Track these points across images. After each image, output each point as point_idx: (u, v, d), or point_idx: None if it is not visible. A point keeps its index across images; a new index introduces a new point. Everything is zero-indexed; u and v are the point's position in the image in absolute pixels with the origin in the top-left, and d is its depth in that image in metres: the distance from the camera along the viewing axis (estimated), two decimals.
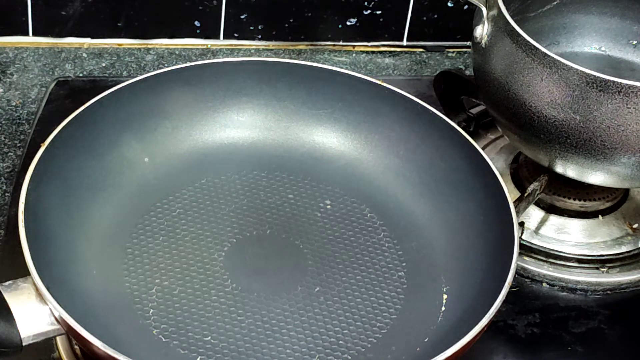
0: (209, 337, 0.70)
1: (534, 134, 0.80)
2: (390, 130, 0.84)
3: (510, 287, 0.69)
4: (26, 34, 1.02)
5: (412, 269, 0.77)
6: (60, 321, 0.64)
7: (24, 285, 0.65)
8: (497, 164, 0.79)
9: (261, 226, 0.79)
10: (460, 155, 0.80)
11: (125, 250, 0.75)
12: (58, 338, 0.73)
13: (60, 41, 1.03)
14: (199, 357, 0.68)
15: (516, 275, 0.78)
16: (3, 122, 0.94)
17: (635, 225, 0.89)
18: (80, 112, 0.77)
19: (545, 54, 0.76)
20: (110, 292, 0.72)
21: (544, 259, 0.86)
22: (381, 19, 1.06)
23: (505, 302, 0.68)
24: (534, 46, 0.76)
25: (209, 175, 0.83)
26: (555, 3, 0.92)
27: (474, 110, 0.95)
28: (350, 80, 0.85)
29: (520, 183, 0.90)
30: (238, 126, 0.86)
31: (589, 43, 0.95)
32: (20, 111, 0.96)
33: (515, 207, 0.76)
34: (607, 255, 0.86)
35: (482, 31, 0.82)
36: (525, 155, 0.89)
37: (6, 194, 0.86)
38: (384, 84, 0.84)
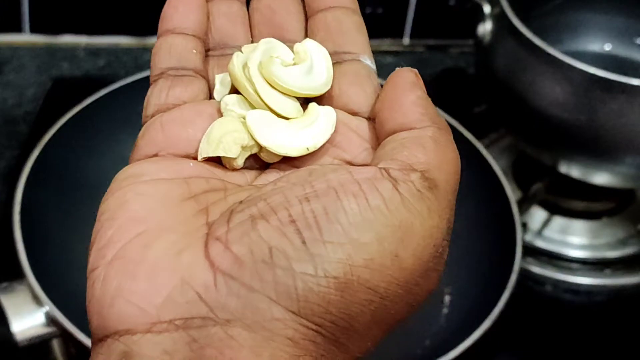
0: None
1: (537, 133, 0.79)
2: None
3: (513, 289, 0.68)
4: (23, 32, 1.01)
5: None
6: (56, 323, 0.63)
7: (19, 287, 0.65)
8: (499, 164, 0.79)
9: None
10: (462, 155, 0.79)
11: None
12: (54, 340, 0.73)
13: (57, 40, 1.02)
14: None
15: (519, 277, 0.77)
16: None
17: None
18: (77, 112, 0.77)
19: (549, 53, 0.75)
20: None
21: (547, 260, 0.85)
22: (383, 18, 1.06)
23: (508, 304, 0.67)
24: (538, 45, 0.76)
25: None
26: (559, 1, 0.92)
27: (477, 110, 0.94)
28: None
29: (523, 183, 0.90)
30: None
31: (593, 42, 0.94)
32: (17, 111, 0.95)
33: (518, 208, 0.75)
34: (611, 257, 0.86)
35: (484, 29, 0.81)
36: (529, 155, 0.88)
37: (2, 194, 0.85)
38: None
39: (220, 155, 0.35)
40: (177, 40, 0.37)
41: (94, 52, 1.02)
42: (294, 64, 0.37)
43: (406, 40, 1.08)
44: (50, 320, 0.64)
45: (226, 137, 0.34)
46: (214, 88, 0.38)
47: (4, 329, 0.64)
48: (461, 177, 0.85)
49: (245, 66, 0.36)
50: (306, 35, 0.39)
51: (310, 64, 0.36)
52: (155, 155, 0.35)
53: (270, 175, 0.35)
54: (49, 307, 0.63)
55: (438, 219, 0.32)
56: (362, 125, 0.36)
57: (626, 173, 0.80)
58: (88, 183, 0.76)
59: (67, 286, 0.68)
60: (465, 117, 0.84)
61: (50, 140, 0.74)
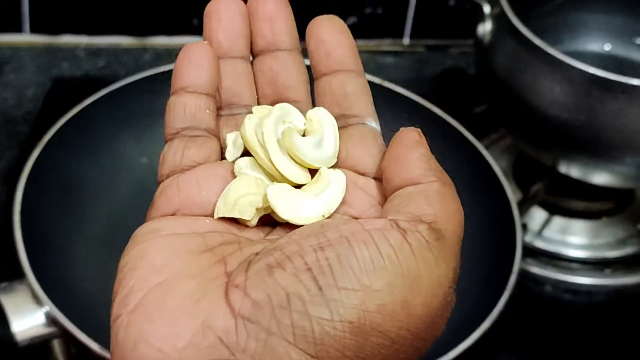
0: None
1: (537, 134, 0.79)
2: (390, 131, 0.83)
3: (513, 290, 0.68)
4: (22, 32, 1.01)
5: None
6: (57, 324, 0.63)
7: (19, 287, 0.65)
8: (499, 164, 0.79)
9: None
10: (462, 155, 0.79)
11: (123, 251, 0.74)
12: (55, 340, 0.73)
13: (57, 40, 1.02)
14: None
15: (519, 278, 0.77)
16: None
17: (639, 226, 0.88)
18: (77, 112, 0.77)
19: (549, 53, 0.75)
20: (107, 294, 0.71)
21: (547, 260, 0.85)
22: (383, 18, 1.06)
23: (508, 304, 0.67)
24: (538, 45, 0.76)
25: None
26: (559, 1, 0.91)
27: (477, 110, 0.94)
28: None
29: (523, 184, 0.89)
30: None
31: (593, 41, 0.94)
32: (17, 111, 0.95)
33: (518, 208, 0.75)
34: (611, 256, 0.86)
35: (484, 29, 0.81)
36: (529, 155, 0.88)
37: (2, 195, 0.85)
38: (385, 84, 0.83)
39: (236, 217, 0.36)
40: (191, 99, 0.39)
41: (94, 52, 1.02)
42: (305, 130, 0.39)
43: (406, 40, 1.08)
44: (51, 320, 0.64)
45: (242, 200, 0.36)
46: (224, 147, 0.39)
47: (4, 329, 0.64)
48: (461, 178, 0.85)
49: (259, 131, 0.38)
50: (311, 97, 0.41)
51: (321, 135, 0.38)
52: (173, 214, 0.37)
53: (282, 231, 0.37)
54: (49, 307, 0.63)
55: (445, 267, 0.34)
56: (369, 184, 0.37)
57: (626, 173, 0.80)
58: (88, 183, 0.76)
59: (67, 286, 0.68)
60: (465, 117, 0.84)
61: (50, 140, 0.74)
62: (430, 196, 0.35)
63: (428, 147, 0.37)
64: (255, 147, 0.37)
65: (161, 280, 0.33)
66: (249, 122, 0.38)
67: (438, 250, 0.34)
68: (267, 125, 0.37)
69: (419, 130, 0.37)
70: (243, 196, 0.36)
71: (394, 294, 0.32)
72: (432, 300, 0.33)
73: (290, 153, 0.37)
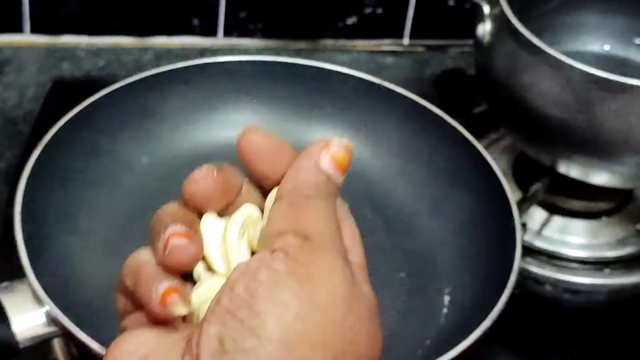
0: None
1: (536, 134, 0.79)
2: (390, 131, 0.84)
3: (513, 289, 0.68)
4: (23, 32, 1.01)
5: (413, 270, 0.76)
6: (57, 323, 0.63)
7: (20, 286, 0.65)
8: (499, 164, 0.78)
9: None
10: (461, 155, 0.79)
11: (123, 251, 0.74)
12: (55, 340, 0.73)
13: (57, 40, 1.02)
14: None
15: (519, 277, 0.77)
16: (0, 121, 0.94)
17: (639, 227, 0.88)
18: (77, 112, 0.76)
19: (549, 53, 0.75)
20: (108, 294, 0.71)
21: (547, 260, 0.85)
22: (383, 18, 1.06)
23: (507, 304, 0.67)
24: (537, 45, 0.76)
25: None
26: (559, 1, 0.92)
27: (476, 110, 0.94)
28: (350, 80, 0.84)
29: (523, 183, 0.90)
30: (237, 126, 0.84)
31: (592, 42, 0.94)
32: (17, 111, 0.95)
33: (518, 208, 0.75)
34: (610, 256, 0.86)
35: (484, 29, 0.81)
36: (528, 155, 0.88)
37: (3, 194, 0.85)
38: (385, 84, 0.83)
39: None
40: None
41: (94, 52, 1.02)
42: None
43: (406, 40, 1.08)
44: (51, 319, 0.64)
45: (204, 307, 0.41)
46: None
47: (5, 328, 0.63)
48: (461, 178, 0.84)
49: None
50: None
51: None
52: None
53: None
54: (49, 306, 0.63)
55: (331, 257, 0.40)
56: None
57: (626, 173, 0.80)
58: (89, 183, 0.76)
59: (67, 286, 0.68)
60: (465, 117, 0.84)
61: (50, 140, 0.74)
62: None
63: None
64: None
65: (135, 358, 0.39)
66: (196, 293, 0.43)
67: (304, 254, 0.38)
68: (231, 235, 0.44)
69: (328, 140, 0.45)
70: (204, 302, 0.41)
71: (300, 297, 0.36)
72: (329, 284, 0.37)
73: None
